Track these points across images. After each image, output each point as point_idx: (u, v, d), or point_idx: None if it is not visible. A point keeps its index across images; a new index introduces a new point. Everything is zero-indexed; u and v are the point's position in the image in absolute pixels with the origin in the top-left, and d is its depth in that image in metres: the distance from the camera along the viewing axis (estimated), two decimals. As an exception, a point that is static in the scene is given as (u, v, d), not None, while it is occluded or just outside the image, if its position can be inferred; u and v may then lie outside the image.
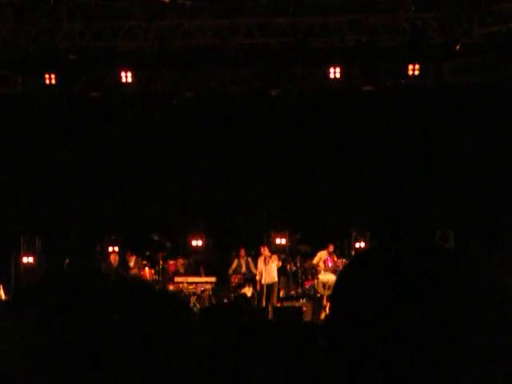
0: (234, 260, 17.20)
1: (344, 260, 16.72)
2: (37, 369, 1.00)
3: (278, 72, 17.39)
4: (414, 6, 16.27)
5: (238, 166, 18.57)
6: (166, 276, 16.91)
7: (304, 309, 15.34)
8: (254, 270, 16.74)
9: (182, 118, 18.29)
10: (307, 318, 14.80)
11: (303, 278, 17.14)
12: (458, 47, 16.41)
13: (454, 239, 16.76)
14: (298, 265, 17.26)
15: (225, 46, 16.67)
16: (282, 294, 16.82)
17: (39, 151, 18.09)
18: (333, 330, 1.07)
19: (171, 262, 17.12)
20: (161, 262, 16.97)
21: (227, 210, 18.62)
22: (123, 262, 16.95)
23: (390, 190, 17.80)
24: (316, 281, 16.46)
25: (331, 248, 16.83)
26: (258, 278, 16.38)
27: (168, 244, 17.29)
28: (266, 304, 15.96)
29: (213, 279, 16.65)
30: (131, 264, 16.86)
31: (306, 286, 16.85)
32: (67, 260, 16.34)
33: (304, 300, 16.26)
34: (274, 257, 16.40)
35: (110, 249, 17.33)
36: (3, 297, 15.07)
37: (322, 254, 16.78)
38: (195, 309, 15.06)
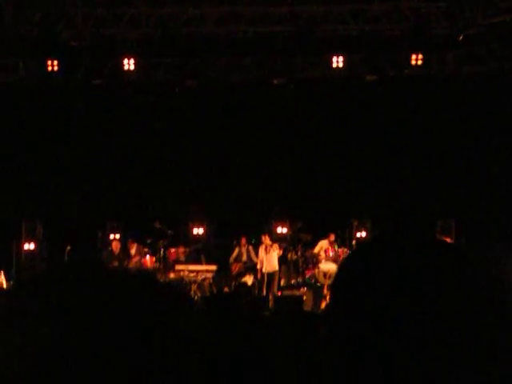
0: (234, 248, 17.20)
1: (345, 249, 16.73)
2: (36, 367, 1.00)
3: (281, 61, 17.34)
4: (417, -4, 16.25)
5: (240, 155, 18.56)
6: (167, 264, 16.91)
7: (304, 298, 15.37)
8: (254, 258, 16.74)
9: (183, 106, 18.27)
10: (308, 307, 14.82)
11: (304, 266, 17.14)
12: (461, 37, 16.37)
13: (455, 229, 16.78)
14: (299, 254, 17.24)
15: (227, 34, 16.64)
16: (282, 282, 16.83)
17: (41, 138, 18.08)
18: (332, 320, 1.08)
19: (172, 250, 17.11)
20: (162, 250, 16.97)
21: (228, 198, 18.60)
22: (125, 249, 16.98)
23: (392, 180, 17.80)
24: (317, 270, 16.46)
25: (332, 237, 16.83)
26: (258, 266, 16.38)
27: (169, 232, 17.28)
28: (267, 293, 15.98)
29: (214, 267, 16.64)
30: (132, 252, 16.87)
31: (307, 275, 16.84)
32: (68, 247, 16.34)
33: (305, 289, 16.27)
34: (275, 245, 16.39)
35: (112, 236, 17.35)
36: (4, 284, 15.10)
37: (323, 243, 16.78)
38: (196, 297, 15.09)
